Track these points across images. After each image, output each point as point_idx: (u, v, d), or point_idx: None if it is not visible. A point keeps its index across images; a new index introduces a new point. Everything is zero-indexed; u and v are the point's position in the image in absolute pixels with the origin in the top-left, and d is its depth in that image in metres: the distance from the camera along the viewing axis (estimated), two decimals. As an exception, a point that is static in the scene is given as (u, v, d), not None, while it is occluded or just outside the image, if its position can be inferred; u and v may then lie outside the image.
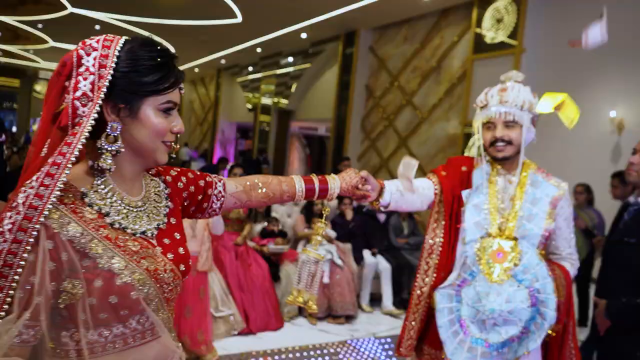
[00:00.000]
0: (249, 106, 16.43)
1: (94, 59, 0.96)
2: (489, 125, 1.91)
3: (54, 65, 22.57)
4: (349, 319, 5.09)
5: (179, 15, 11.93)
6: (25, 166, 0.98)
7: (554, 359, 1.88)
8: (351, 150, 11.56)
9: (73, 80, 0.96)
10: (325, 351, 4.35)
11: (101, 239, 0.99)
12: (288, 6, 10.35)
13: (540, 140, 7.77)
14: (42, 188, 0.89)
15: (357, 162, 11.39)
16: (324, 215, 1.57)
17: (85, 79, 0.95)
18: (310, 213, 5.53)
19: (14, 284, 0.87)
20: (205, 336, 3.77)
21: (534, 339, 1.75)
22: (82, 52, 0.97)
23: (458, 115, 9.08)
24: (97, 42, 0.99)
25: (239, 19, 11.66)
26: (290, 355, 4.18)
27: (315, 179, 1.49)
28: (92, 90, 0.95)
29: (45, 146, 0.96)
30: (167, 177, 1.25)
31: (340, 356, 4.29)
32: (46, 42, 16.44)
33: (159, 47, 1.03)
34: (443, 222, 1.97)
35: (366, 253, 5.68)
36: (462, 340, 1.83)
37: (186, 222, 3.58)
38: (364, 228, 5.83)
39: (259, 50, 14.78)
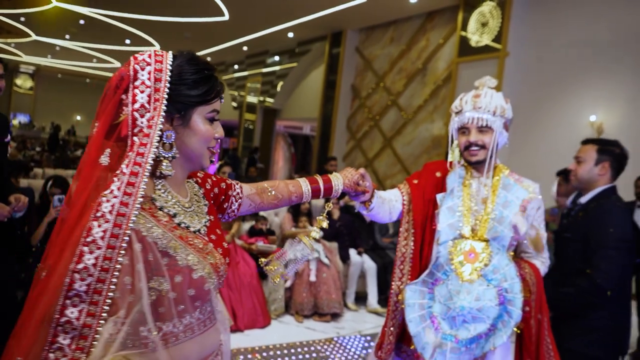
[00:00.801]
0: (234, 104, 16.40)
1: (149, 73, 1.02)
2: (463, 130, 1.97)
3: (36, 59, 22.14)
4: (335, 316, 5.15)
5: (164, 11, 11.86)
6: (78, 173, 1.02)
7: (532, 354, 1.93)
8: (336, 150, 11.63)
9: (130, 94, 1.02)
10: (311, 348, 4.41)
11: (177, 238, 1.07)
12: (275, 5, 10.37)
13: (522, 144, 7.96)
14: (126, 197, 0.95)
15: (343, 162, 11.46)
16: (326, 209, 1.62)
17: (142, 91, 1.01)
18: (297, 212, 5.59)
19: (112, 287, 0.93)
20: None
21: (500, 335, 1.83)
22: (137, 66, 1.03)
23: (443, 116, 9.21)
24: (150, 56, 1.05)
25: (226, 16, 11.64)
26: (278, 352, 4.23)
27: (319, 179, 1.57)
28: (149, 102, 1.02)
29: (106, 156, 1.02)
30: (197, 179, 1.33)
31: (327, 353, 4.35)
32: (29, 35, 16.20)
33: (203, 62, 1.11)
34: (413, 231, 2.05)
35: (352, 252, 5.75)
36: (434, 335, 1.90)
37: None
38: (350, 227, 5.90)
39: (245, 48, 14.76)
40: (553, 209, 5.01)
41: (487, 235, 1.91)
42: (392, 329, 2.05)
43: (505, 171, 2.03)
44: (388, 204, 2.03)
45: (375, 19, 10.66)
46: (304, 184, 1.53)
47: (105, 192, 0.95)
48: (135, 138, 1.00)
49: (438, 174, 2.10)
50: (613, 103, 7.17)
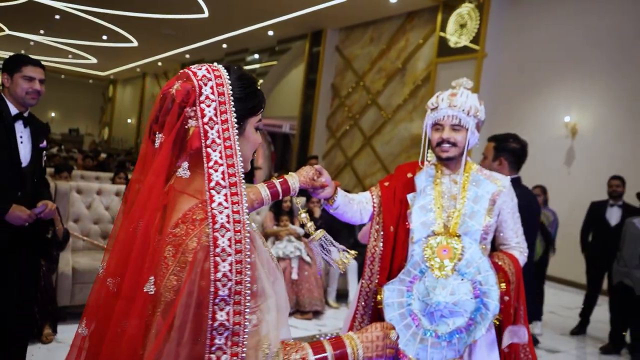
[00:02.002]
0: (214, 102, 16.28)
1: (211, 87, 1.09)
2: (437, 127, 2.02)
3: (7, 54, 21.72)
4: (317, 314, 5.18)
5: (143, 7, 11.71)
6: (140, 184, 1.09)
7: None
8: (316, 149, 11.67)
9: (198, 108, 1.07)
10: (293, 346, 4.44)
11: (259, 235, 1.20)
12: (255, 3, 10.35)
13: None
14: (235, 206, 1.04)
15: (323, 160, 11.50)
16: (299, 204, 1.75)
17: (208, 105, 1.08)
18: (279, 210, 5.60)
19: (248, 284, 1.03)
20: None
21: (479, 328, 1.87)
22: (200, 82, 1.09)
23: (422, 116, 9.30)
24: (208, 71, 1.11)
25: (206, 14, 11.57)
26: (259, 350, 4.26)
27: (275, 181, 1.70)
28: (215, 115, 1.08)
29: (185, 169, 1.08)
30: None
31: (308, 350, 4.38)
32: (2, 30, 15.84)
33: (251, 76, 1.20)
34: (382, 232, 2.11)
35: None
36: (415, 332, 1.94)
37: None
38: (331, 225, 5.94)
39: (224, 46, 14.68)
40: None
41: (459, 231, 1.96)
42: (361, 325, 2.10)
43: (474, 167, 2.09)
44: (358, 205, 2.09)
45: (356, 18, 10.72)
46: (262, 190, 1.64)
47: (214, 206, 1.03)
48: (209, 149, 1.06)
49: (409, 175, 2.15)
50: (587, 104, 7.36)
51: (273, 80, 13.73)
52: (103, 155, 13.25)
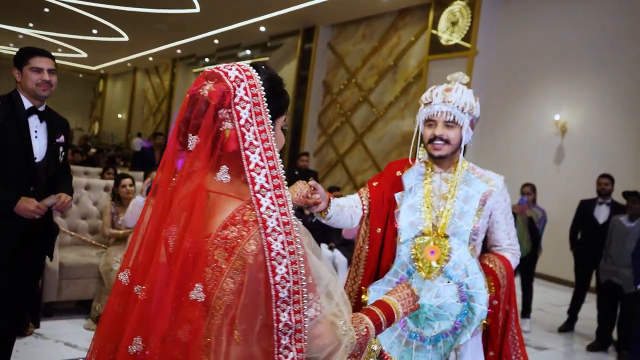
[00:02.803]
0: (205, 97, 16.21)
1: (244, 89, 1.07)
2: (430, 122, 1.93)
3: (-3, 48, 21.23)
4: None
5: (134, 1, 11.60)
6: (195, 190, 1.06)
7: (495, 347, 1.93)
8: (308, 145, 11.64)
9: (233, 110, 1.06)
10: (282, 342, 4.43)
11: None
12: (248, -1, 10.30)
13: (489, 140, 8.12)
14: (282, 207, 1.05)
15: (314, 157, 11.48)
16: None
17: (243, 107, 1.06)
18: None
19: (304, 283, 1.05)
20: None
21: (465, 333, 1.83)
22: (234, 84, 1.07)
23: (413, 113, 9.32)
24: (240, 72, 1.09)
25: (197, 9, 11.49)
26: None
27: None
28: (251, 117, 1.06)
29: (225, 173, 1.07)
30: None
31: (297, 347, 4.37)
32: (-11, 23, 15.65)
33: (278, 76, 1.19)
34: (369, 235, 2.05)
35: (324, 247, 5.79)
36: (400, 335, 1.91)
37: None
38: (321, 222, 5.94)
39: (216, 41, 14.60)
40: (522, 199, 5.14)
41: (447, 231, 1.89)
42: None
43: (466, 165, 2.00)
44: (348, 210, 2.03)
45: (348, 15, 10.70)
46: None
47: (262, 210, 1.03)
48: (247, 152, 1.05)
49: (398, 173, 2.08)
50: (577, 102, 7.40)
51: (265, 76, 13.68)
52: (93, 150, 13.14)
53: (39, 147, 2.56)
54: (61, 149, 2.70)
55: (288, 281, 1.02)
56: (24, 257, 2.54)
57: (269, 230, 1.02)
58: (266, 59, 13.31)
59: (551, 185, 7.25)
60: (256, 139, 1.06)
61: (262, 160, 1.05)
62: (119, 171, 5.83)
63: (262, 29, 12.44)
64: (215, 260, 1.02)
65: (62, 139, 2.69)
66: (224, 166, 1.07)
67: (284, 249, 1.02)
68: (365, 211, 2.08)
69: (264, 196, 1.03)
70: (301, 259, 1.05)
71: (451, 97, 1.89)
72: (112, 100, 25.23)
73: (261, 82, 1.10)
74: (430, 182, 1.98)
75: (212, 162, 1.07)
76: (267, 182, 1.04)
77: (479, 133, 1.86)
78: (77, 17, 13.42)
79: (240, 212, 1.04)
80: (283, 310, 1.03)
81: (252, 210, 1.03)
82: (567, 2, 7.52)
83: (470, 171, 1.99)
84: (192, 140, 1.05)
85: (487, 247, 2.08)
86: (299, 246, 1.05)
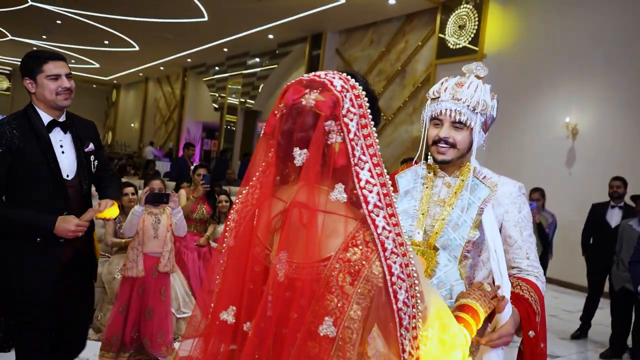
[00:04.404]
0: (215, 106, 16.30)
1: (350, 100, 0.99)
2: (436, 121, 1.65)
3: (10, 59, 21.67)
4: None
5: (143, 12, 11.73)
6: (306, 211, 0.98)
7: None
8: (317, 152, 11.61)
9: (342, 122, 0.97)
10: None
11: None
12: (255, 7, 10.33)
13: (498, 144, 8.00)
14: (396, 227, 0.99)
15: (323, 163, 11.45)
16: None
17: (351, 120, 0.98)
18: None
19: (416, 281, 1.01)
20: (165, 338, 3.74)
21: None
22: (341, 95, 0.98)
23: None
24: (344, 81, 1.01)
25: (206, 18, 11.57)
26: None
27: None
28: (357, 130, 0.98)
29: (340, 192, 0.98)
30: None
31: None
32: (5, 35, 15.93)
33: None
34: None
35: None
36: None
37: (148, 222, 3.56)
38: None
39: (225, 49, 14.68)
40: (531, 204, 5.06)
41: (437, 243, 1.60)
42: None
43: (473, 168, 1.68)
44: None
45: (355, 21, 10.69)
46: None
47: (379, 231, 0.96)
48: (357, 168, 0.97)
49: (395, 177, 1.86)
50: (587, 104, 7.28)
51: (274, 84, 13.71)
52: (104, 160, 13.24)
53: (68, 163, 2.26)
54: (92, 157, 2.39)
55: (408, 306, 0.97)
56: (73, 288, 2.32)
57: (387, 253, 0.95)
58: (275, 66, 13.35)
59: (562, 189, 7.12)
60: (364, 154, 0.98)
61: (372, 176, 0.98)
62: (130, 180, 5.86)
63: (270, 36, 12.48)
64: (341, 287, 0.93)
65: (91, 147, 2.38)
66: (340, 184, 0.97)
67: (402, 272, 0.96)
68: None
69: (378, 216, 0.96)
70: (417, 281, 0.98)
71: (462, 94, 1.61)
72: (125, 110, 25.50)
73: (364, 93, 1.02)
74: (431, 186, 1.70)
75: (322, 178, 0.97)
76: (379, 200, 0.97)
77: (487, 136, 1.62)
78: (88, 28, 13.60)
79: (359, 232, 0.96)
80: (405, 338, 0.96)
81: (368, 230, 0.96)
82: (576, 3, 7.42)
83: (476, 175, 1.67)
84: (301, 155, 0.96)
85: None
86: (414, 268, 0.98)
